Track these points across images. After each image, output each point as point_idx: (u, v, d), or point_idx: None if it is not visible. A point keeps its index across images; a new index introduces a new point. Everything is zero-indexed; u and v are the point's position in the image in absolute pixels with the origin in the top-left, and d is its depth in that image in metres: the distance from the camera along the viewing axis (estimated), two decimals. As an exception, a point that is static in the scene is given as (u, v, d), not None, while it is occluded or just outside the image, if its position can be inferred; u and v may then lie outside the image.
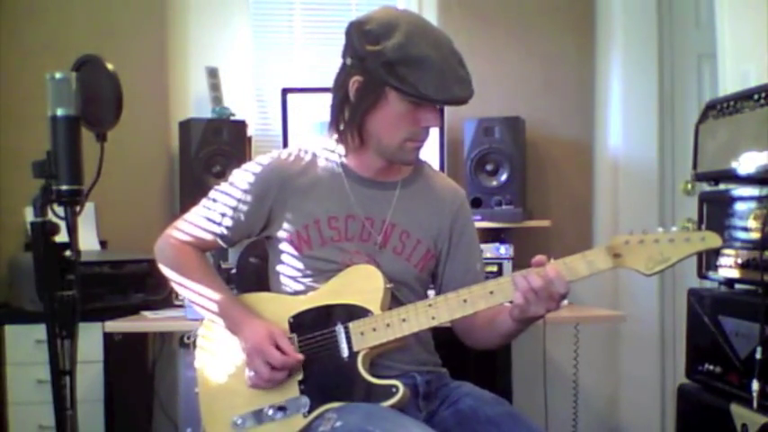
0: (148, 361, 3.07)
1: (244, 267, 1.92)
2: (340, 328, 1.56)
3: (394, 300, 1.61)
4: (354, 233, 1.65)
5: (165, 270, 1.72)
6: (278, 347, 1.54)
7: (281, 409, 1.56)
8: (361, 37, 1.55)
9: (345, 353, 1.55)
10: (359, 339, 1.54)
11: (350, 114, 1.61)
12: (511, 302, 1.50)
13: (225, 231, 1.70)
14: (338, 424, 1.45)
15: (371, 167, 1.68)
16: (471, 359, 2.87)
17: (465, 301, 1.52)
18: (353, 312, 1.56)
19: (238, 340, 1.60)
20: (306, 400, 1.55)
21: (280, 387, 1.57)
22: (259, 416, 1.58)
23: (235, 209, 1.68)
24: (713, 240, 1.41)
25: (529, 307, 1.45)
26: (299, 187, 1.66)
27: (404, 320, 1.53)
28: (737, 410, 1.88)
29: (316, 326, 1.59)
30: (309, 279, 1.65)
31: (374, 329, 1.54)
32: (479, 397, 1.61)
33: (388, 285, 1.58)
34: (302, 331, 1.59)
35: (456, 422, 1.58)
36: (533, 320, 1.51)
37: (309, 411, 1.54)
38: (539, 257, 1.47)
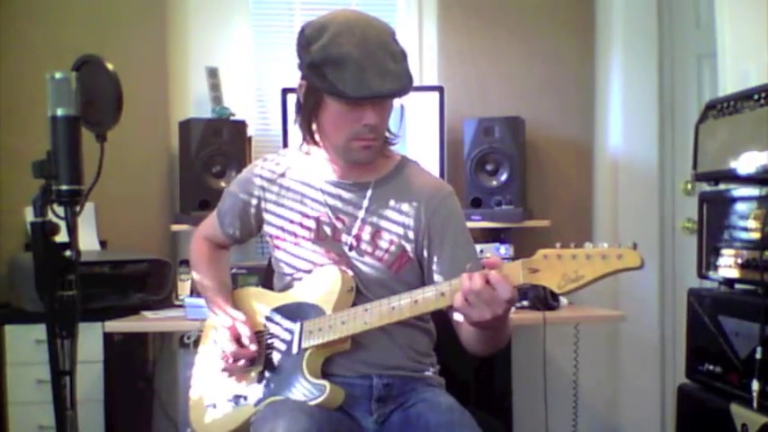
0: (148, 361, 3.08)
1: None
2: (297, 326, 1.64)
3: (366, 302, 1.59)
4: (326, 234, 1.69)
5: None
6: (238, 340, 1.67)
7: (242, 397, 1.66)
8: (298, 41, 1.60)
9: (295, 349, 1.62)
10: (307, 337, 1.61)
11: (301, 117, 1.66)
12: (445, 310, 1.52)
13: (229, 231, 1.85)
14: (260, 413, 1.58)
15: (340, 168, 1.70)
16: (470, 360, 2.88)
17: (393, 308, 1.51)
18: (312, 311, 1.63)
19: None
20: (259, 391, 1.64)
21: (246, 377, 1.68)
22: (224, 402, 1.68)
23: (231, 212, 1.82)
24: (631, 260, 1.28)
25: (471, 310, 1.38)
26: (277, 190, 1.75)
27: (343, 323, 1.57)
28: (737, 410, 1.88)
29: (283, 321, 1.68)
30: (290, 276, 1.73)
31: (320, 329, 1.59)
32: (434, 404, 1.60)
33: (348, 289, 1.62)
34: (273, 325, 1.70)
35: (399, 427, 1.60)
36: (489, 324, 1.41)
37: (259, 402, 1.63)
38: (493, 259, 1.41)
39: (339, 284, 1.62)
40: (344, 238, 1.68)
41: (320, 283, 1.65)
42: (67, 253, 1.26)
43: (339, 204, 1.70)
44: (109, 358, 2.65)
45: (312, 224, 1.70)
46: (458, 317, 1.61)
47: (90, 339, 2.56)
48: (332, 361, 1.63)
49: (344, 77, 1.50)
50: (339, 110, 1.56)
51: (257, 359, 1.68)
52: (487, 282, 1.36)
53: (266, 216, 1.77)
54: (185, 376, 2.76)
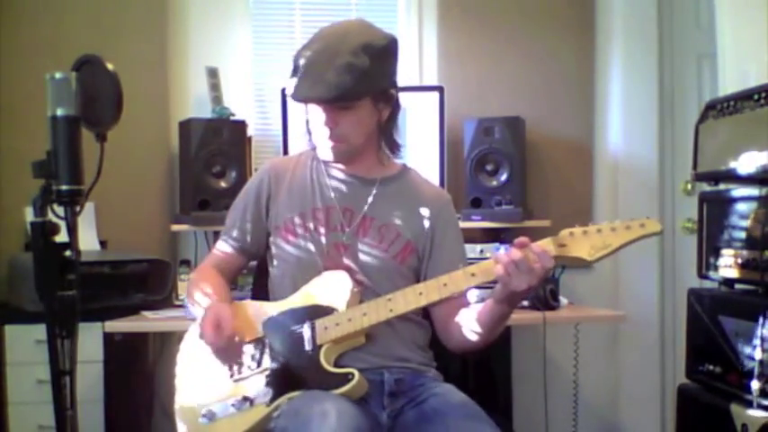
0: (148, 361, 3.07)
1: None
2: (307, 325, 1.65)
3: (373, 295, 1.67)
4: (335, 223, 1.76)
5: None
6: (219, 326, 1.61)
7: (248, 400, 1.65)
8: None
9: (309, 346, 1.63)
10: (323, 334, 1.63)
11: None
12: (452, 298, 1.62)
13: (239, 239, 1.85)
14: (286, 407, 1.57)
15: (345, 165, 1.81)
16: (470, 360, 2.88)
17: (420, 293, 1.60)
18: (321, 311, 1.66)
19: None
20: (269, 391, 1.63)
21: (248, 381, 1.66)
22: (226, 407, 1.67)
23: (242, 217, 1.84)
24: (653, 226, 1.50)
25: (510, 280, 1.48)
26: (287, 183, 1.82)
27: (365, 314, 1.62)
28: (737, 410, 1.88)
29: (287, 325, 1.68)
30: (290, 277, 1.75)
31: (337, 324, 1.63)
32: (448, 399, 1.64)
33: (356, 289, 1.67)
34: (274, 331, 1.69)
35: (416, 422, 1.62)
36: (516, 298, 1.54)
37: (272, 400, 1.62)
38: (522, 238, 1.52)
39: (349, 285, 1.66)
40: (351, 227, 1.75)
41: (327, 286, 1.69)
42: (67, 253, 1.26)
43: (346, 195, 1.78)
44: (109, 358, 2.65)
45: (322, 214, 1.76)
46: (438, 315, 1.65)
47: (90, 339, 2.56)
48: (342, 355, 1.66)
49: (296, 83, 1.69)
50: (311, 111, 1.75)
51: (260, 360, 1.67)
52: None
53: (274, 209, 1.81)
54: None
